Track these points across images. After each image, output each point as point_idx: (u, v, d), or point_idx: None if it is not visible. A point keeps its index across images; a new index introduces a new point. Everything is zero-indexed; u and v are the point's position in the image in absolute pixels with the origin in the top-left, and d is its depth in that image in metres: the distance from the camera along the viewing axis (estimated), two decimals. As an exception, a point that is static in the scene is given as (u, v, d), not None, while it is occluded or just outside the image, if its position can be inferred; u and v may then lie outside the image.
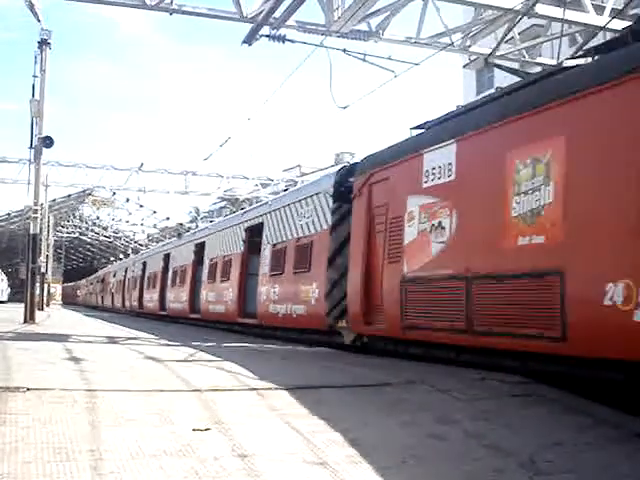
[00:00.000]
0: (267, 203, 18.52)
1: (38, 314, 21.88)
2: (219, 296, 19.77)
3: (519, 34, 15.65)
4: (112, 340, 13.63)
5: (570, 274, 6.87)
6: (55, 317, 28.08)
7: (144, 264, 33.79)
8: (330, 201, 13.26)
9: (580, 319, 6.74)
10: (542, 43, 16.00)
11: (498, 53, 15.53)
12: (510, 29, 14.41)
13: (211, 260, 21.45)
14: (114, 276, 45.58)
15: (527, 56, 16.00)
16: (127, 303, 37.35)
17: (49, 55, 20.08)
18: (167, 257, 28.45)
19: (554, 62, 16.28)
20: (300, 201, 14.91)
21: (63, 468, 3.84)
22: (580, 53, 8.86)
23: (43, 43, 19.90)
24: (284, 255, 15.25)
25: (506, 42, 15.54)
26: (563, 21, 12.22)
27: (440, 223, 9.23)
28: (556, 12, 12.71)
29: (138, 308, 33.34)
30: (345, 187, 12.77)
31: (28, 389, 5.98)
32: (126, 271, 40.37)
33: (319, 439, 4.73)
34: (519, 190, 7.76)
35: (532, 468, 4.32)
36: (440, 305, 9.02)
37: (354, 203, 12.00)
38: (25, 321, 19.36)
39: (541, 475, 4.23)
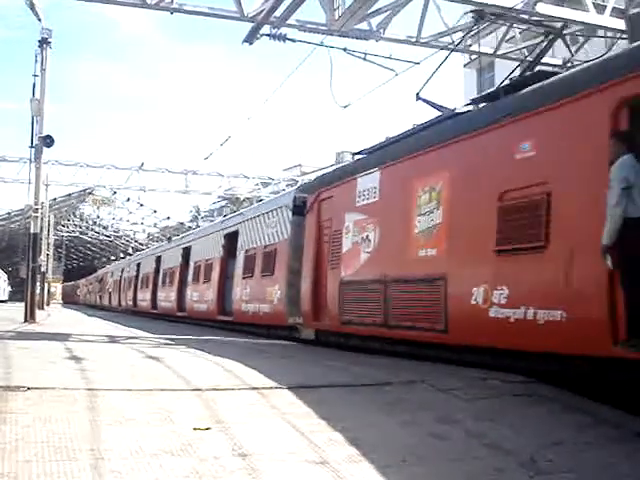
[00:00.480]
0: (242, 213, 20.83)
1: (38, 313, 21.87)
2: (202, 296, 21.81)
3: (520, 33, 15.63)
4: (112, 339, 13.63)
5: (451, 280, 8.89)
6: (55, 316, 28.08)
7: (138, 265, 35.79)
8: (289, 214, 15.06)
9: (457, 315, 8.77)
10: (543, 42, 15.97)
11: (499, 52, 15.54)
12: (510, 27, 14.42)
13: (195, 263, 23.46)
14: (111, 276, 47.20)
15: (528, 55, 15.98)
16: (123, 302, 39.02)
17: (50, 54, 20.07)
18: (158, 259, 30.43)
19: (554, 62, 16.32)
20: (267, 213, 16.95)
21: (63, 467, 3.84)
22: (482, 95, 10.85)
23: (44, 42, 19.87)
24: (254, 260, 17.19)
25: (507, 41, 15.56)
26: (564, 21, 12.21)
27: (367, 236, 11.25)
28: (557, 11, 12.70)
29: (132, 307, 35.17)
30: (302, 202, 14.41)
31: (29, 388, 5.97)
32: (122, 272, 41.86)
33: (320, 438, 4.73)
34: (420, 212, 9.81)
35: (533, 467, 4.32)
36: (367, 304, 10.98)
37: (307, 217, 13.98)
38: (25, 320, 19.35)
39: (541, 474, 4.23)
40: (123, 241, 70.65)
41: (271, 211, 16.66)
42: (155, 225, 62.72)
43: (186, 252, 25.35)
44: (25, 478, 3.65)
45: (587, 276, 6.88)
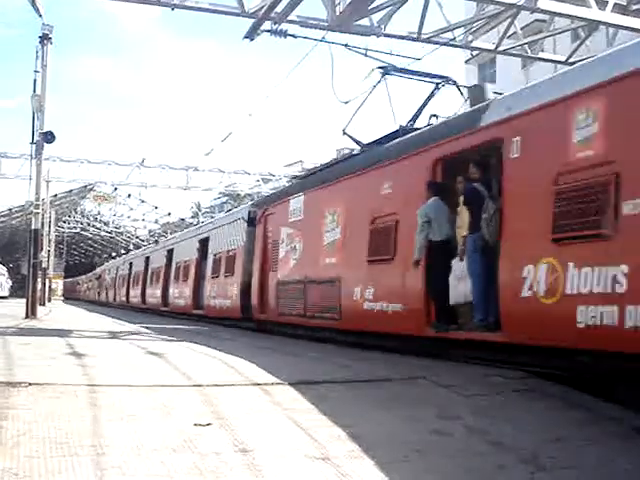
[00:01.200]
0: (212, 222, 25.14)
1: (39, 309, 21.88)
2: (181, 293, 25.04)
3: (521, 29, 15.63)
4: (113, 335, 13.64)
5: (342, 282, 11.92)
6: (56, 312, 28.09)
7: (130, 264, 39.14)
8: (245, 225, 18.09)
9: (345, 307, 11.76)
10: (544, 38, 15.98)
11: (501, 48, 15.52)
12: (511, 23, 14.40)
13: (177, 264, 26.47)
14: (108, 274, 49.97)
15: (529, 51, 15.98)
16: (117, 298, 42.35)
17: (50, 50, 20.05)
18: (147, 259, 33.72)
19: (557, 57, 16.31)
20: (230, 223, 20.13)
21: (65, 463, 3.85)
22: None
23: (44, 38, 19.85)
24: (220, 262, 20.12)
25: (508, 37, 15.55)
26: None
27: (295, 246, 14.30)
28: (559, 7, 12.68)
29: (126, 302, 38.35)
30: (254, 216, 17.61)
31: (30, 384, 5.98)
32: (117, 270, 44.92)
33: (321, 434, 4.73)
34: (326, 230, 12.79)
35: (534, 464, 4.32)
36: (295, 300, 13.94)
37: (257, 228, 17.12)
38: (27, 316, 19.35)
39: (542, 470, 4.23)
40: (124, 237, 70.65)
41: (233, 221, 19.79)
42: (156, 221, 62.77)
43: (169, 254, 28.25)
44: (26, 474, 3.65)
45: (414, 280, 9.89)
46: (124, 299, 38.90)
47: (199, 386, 6.39)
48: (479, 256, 8.75)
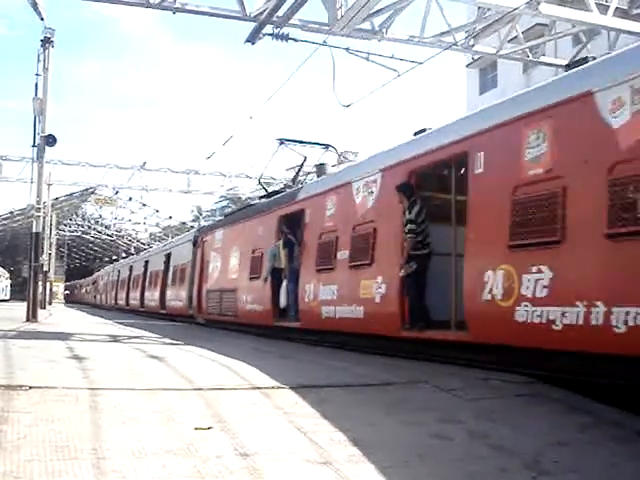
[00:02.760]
0: (174, 241, 32.39)
1: (40, 312, 21.87)
2: (153, 296, 31.12)
3: (523, 33, 15.64)
4: (113, 338, 13.63)
5: (238, 291, 17.55)
6: (57, 315, 28.09)
7: (118, 272, 45.09)
8: (191, 246, 24.17)
9: (240, 309, 17.33)
10: (546, 42, 15.99)
11: (502, 52, 15.53)
12: (512, 27, 14.41)
13: (150, 273, 32.69)
14: (102, 279, 56.10)
15: (531, 55, 15.99)
16: (108, 301, 47.98)
17: (52, 53, 20.07)
18: (131, 268, 39.43)
19: (558, 62, 16.32)
20: (183, 243, 26.71)
21: (65, 466, 3.84)
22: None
23: (46, 41, 19.86)
24: (176, 273, 26.70)
25: (510, 41, 15.56)
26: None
27: (217, 265, 20.21)
28: (560, 11, 12.69)
29: (114, 304, 43.90)
30: (196, 239, 23.82)
31: (31, 387, 5.97)
32: (108, 276, 50.80)
33: (322, 438, 4.72)
34: (232, 255, 18.61)
35: (536, 468, 4.31)
36: (216, 303, 19.88)
37: (197, 249, 23.15)
38: (27, 319, 19.35)
39: (545, 475, 4.22)
40: (125, 241, 70.68)
41: (185, 242, 26.06)
42: (157, 225, 62.82)
43: (146, 264, 34.15)
44: (27, 477, 3.65)
45: (267, 290, 15.54)
46: (113, 302, 44.52)
47: (200, 390, 6.38)
48: (292, 276, 14.43)
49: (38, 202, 20.84)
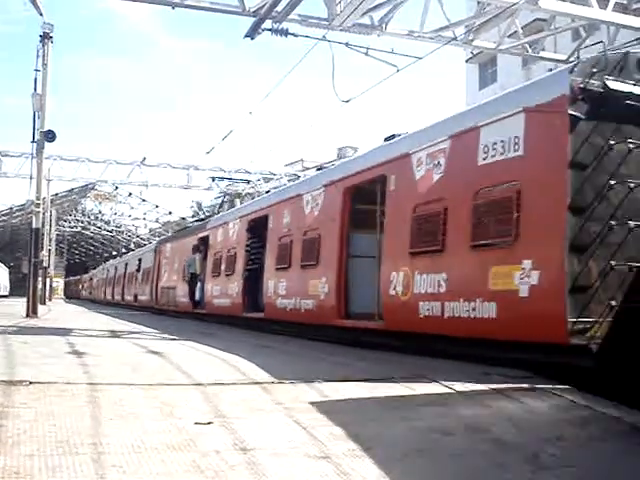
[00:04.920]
0: (144, 248, 40.02)
1: (40, 308, 21.92)
2: (129, 292, 38.03)
3: (522, 28, 15.61)
4: (113, 333, 13.66)
5: (177, 289, 24.98)
6: (57, 311, 28.14)
7: (107, 271, 51.38)
8: (154, 253, 30.79)
9: (178, 301, 24.70)
10: (545, 37, 15.96)
11: (502, 47, 15.50)
12: (512, 22, 14.39)
13: (128, 274, 39.04)
14: (95, 277, 61.97)
15: (530, 50, 15.96)
16: (101, 296, 53.04)
17: (51, 49, 20.05)
18: (116, 268, 45.74)
19: (558, 57, 16.29)
20: (149, 251, 33.57)
21: (65, 461, 3.84)
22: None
23: (45, 37, 19.87)
24: (144, 274, 32.99)
25: (509, 36, 15.53)
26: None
27: (167, 268, 27.53)
28: (559, 6, 12.67)
29: (104, 299, 50.14)
30: (157, 248, 30.78)
31: (31, 383, 5.99)
32: (100, 274, 56.69)
33: (321, 433, 4.73)
34: (174, 262, 26.33)
35: (535, 462, 4.31)
36: (165, 297, 26.78)
37: (156, 256, 29.93)
38: (27, 315, 19.39)
39: (544, 469, 4.22)
40: (125, 236, 70.67)
41: (150, 250, 33.29)
42: (157, 220, 62.76)
43: (125, 266, 40.88)
44: (27, 472, 3.65)
45: (187, 288, 23.42)
46: (102, 297, 51.33)
47: (199, 385, 6.40)
48: (203, 281, 21.64)
49: (37, 198, 20.89)
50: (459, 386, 6.70)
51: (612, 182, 7.60)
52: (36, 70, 20.12)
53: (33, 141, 20.45)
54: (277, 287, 15.12)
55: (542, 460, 4.37)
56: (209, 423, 4.86)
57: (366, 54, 14.77)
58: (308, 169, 46.23)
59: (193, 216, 59.75)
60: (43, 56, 19.98)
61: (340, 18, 12.58)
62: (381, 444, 4.59)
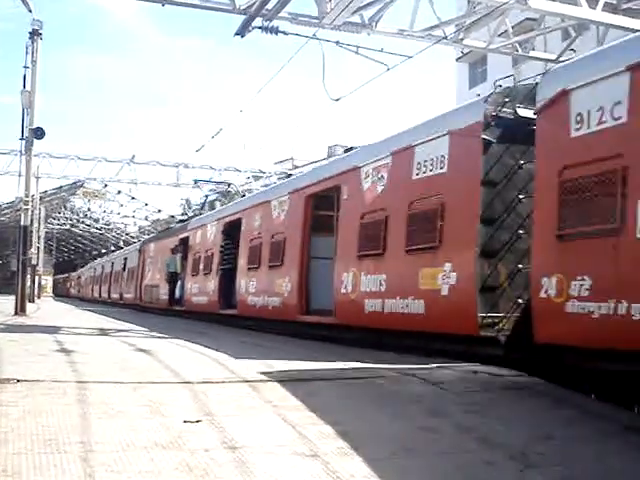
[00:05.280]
0: (128, 248, 41.35)
1: (29, 306, 21.82)
2: (115, 290, 38.75)
3: (512, 28, 15.63)
4: (102, 331, 13.63)
5: (160, 287, 25.72)
6: (45, 309, 28.04)
7: (94, 270, 53.06)
8: (138, 253, 31.92)
9: (160, 298, 25.42)
10: (535, 37, 16.00)
11: (492, 46, 15.53)
12: (502, 21, 14.42)
13: (115, 272, 39.84)
14: (83, 275, 63.36)
15: (520, 49, 15.99)
16: (88, 293, 54.42)
17: (40, 46, 19.95)
18: (103, 267, 47.16)
19: (547, 56, 16.34)
20: (134, 250, 34.43)
21: (53, 459, 3.83)
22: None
23: (34, 34, 19.75)
24: (130, 273, 33.71)
25: (499, 36, 15.55)
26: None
27: (150, 268, 28.47)
28: (549, 6, 12.70)
29: (91, 297, 51.41)
30: (141, 248, 32.05)
31: (19, 381, 5.97)
32: (88, 273, 58.01)
33: (310, 431, 4.73)
34: (156, 262, 27.30)
35: (523, 460, 4.33)
36: (149, 294, 27.65)
37: (141, 255, 30.95)
38: (16, 313, 19.30)
39: (532, 467, 4.24)
40: (114, 234, 70.40)
41: (135, 250, 33.88)
42: (146, 218, 62.53)
43: (112, 265, 41.66)
44: (15, 470, 3.64)
45: (167, 288, 24.11)
46: (90, 295, 52.41)
47: (188, 383, 6.39)
48: (183, 280, 22.62)
49: (26, 195, 20.79)
50: (448, 385, 6.73)
51: (521, 197, 8.52)
52: (25, 67, 20.01)
53: (22, 138, 20.35)
54: (248, 286, 16.37)
55: (530, 458, 4.38)
56: (198, 421, 4.86)
57: (356, 53, 14.76)
58: (298, 167, 46.27)
59: (182, 214, 59.65)
60: (32, 53, 19.87)
61: (330, 16, 12.57)
62: (370, 442, 4.61)
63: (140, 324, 17.06)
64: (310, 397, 5.92)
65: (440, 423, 5.21)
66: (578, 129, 7.27)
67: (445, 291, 9.03)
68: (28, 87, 19.91)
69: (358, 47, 14.67)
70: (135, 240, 58.04)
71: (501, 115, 8.86)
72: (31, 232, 25.80)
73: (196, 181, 34.22)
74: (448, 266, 9.01)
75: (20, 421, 4.61)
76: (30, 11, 19.17)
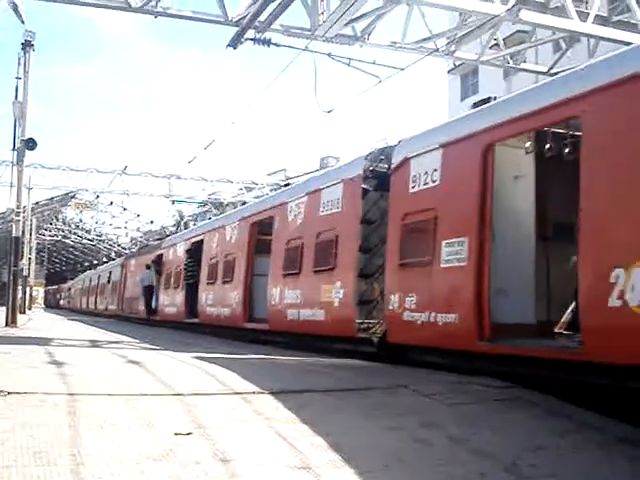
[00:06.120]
0: (112, 263, 44.56)
1: (20, 317, 21.71)
2: (102, 302, 41.35)
3: (504, 40, 15.72)
4: (93, 343, 13.58)
5: (139, 298, 28.10)
6: (37, 320, 27.95)
7: (83, 282, 55.95)
8: (120, 268, 35.30)
9: (139, 309, 28.41)
10: (526, 49, 16.08)
11: (483, 58, 15.60)
12: (493, 34, 14.49)
13: (100, 285, 43.00)
14: (74, 287, 64.78)
15: (512, 62, 16.07)
16: (77, 305, 56.96)
17: (33, 57, 19.96)
18: (90, 280, 50.22)
19: (539, 68, 16.42)
20: (117, 265, 38.05)
21: (43, 472, 3.80)
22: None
23: (27, 45, 19.77)
24: (114, 285, 36.63)
25: (491, 48, 15.63)
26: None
27: (130, 281, 31.91)
28: (540, 18, 12.76)
29: (79, 308, 54.45)
30: (124, 263, 35.14)
31: (9, 393, 5.91)
32: (79, 284, 59.69)
33: (302, 443, 4.71)
34: (135, 276, 30.03)
35: (515, 472, 4.32)
36: (129, 305, 30.92)
37: (123, 270, 34.10)
38: (6, 324, 19.22)
39: (523, 478, 4.24)
40: (106, 245, 70.22)
41: (118, 264, 37.37)
42: (138, 229, 62.39)
43: (98, 278, 44.79)
44: (4, 483, 3.62)
45: (142, 299, 27.12)
46: (79, 306, 54.97)
47: (179, 395, 6.36)
48: (157, 293, 25.48)
49: (18, 206, 20.75)
50: (439, 396, 6.71)
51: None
52: (17, 78, 20.02)
53: (14, 149, 20.33)
54: (207, 298, 19.39)
55: (522, 470, 4.38)
56: (189, 434, 4.83)
57: (348, 65, 14.83)
58: (290, 179, 46.20)
59: (174, 225, 59.57)
60: (25, 64, 19.88)
61: (323, 28, 12.60)
62: (362, 454, 4.58)
63: (130, 335, 17.04)
64: (302, 409, 5.90)
65: (432, 434, 5.19)
66: (414, 187, 10.06)
67: (336, 303, 11.87)
68: (20, 98, 19.91)
69: (350, 59, 14.75)
70: (127, 251, 57.97)
71: (377, 170, 11.53)
72: (22, 243, 25.74)
73: (173, 202, 40.85)
74: (338, 284, 11.89)
75: (10, 433, 4.57)
76: (23, 22, 19.14)
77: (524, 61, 16.47)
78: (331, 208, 12.56)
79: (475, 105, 10.01)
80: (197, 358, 9.97)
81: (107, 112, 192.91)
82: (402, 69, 14.51)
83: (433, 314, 9.12)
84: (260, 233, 16.64)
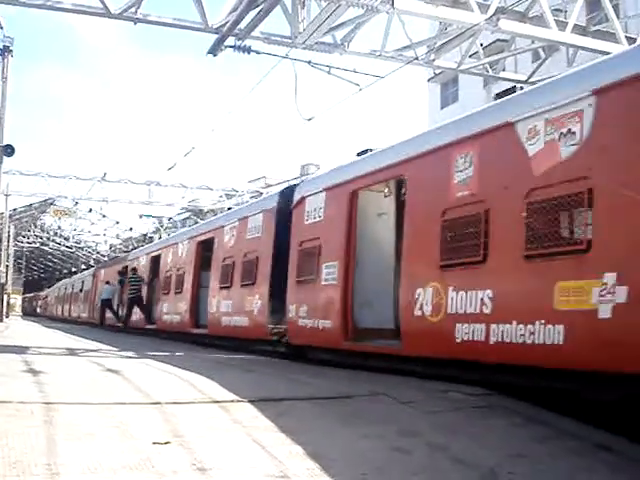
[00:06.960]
0: (86, 272, 45.03)
1: (-3, 325, 21.51)
2: (76, 309, 42.30)
3: (483, 49, 15.81)
4: (70, 351, 13.45)
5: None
6: (14, 328, 27.65)
7: (59, 290, 57.01)
8: (92, 277, 37.06)
9: (104, 317, 29.23)
10: (506, 58, 16.19)
11: (463, 67, 15.68)
12: (473, 43, 14.57)
13: (74, 293, 44.04)
14: (50, 295, 65.70)
15: (491, 70, 16.17)
16: (55, 312, 56.97)
17: (11, 62, 19.83)
18: (65, 289, 51.37)
19: (518, 77, 16.53)
20: (90, 274, 39.13)
21: (18, 482, 3.75)
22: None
23: (5, 50, 19.65)
24: (86, 294, 37.94)
25: (470, 56, 15.73)
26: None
27: (99, 290, 31.51)
28: (519, 28, 12.87)
29: (55, 315, 55.77)
30: (95, 273, 37.19)
31: (-16, 402, 5.85)
32: (55, 292, 60.83)
33: (280, 452, 4.69)
34: (106, 284, 29.97)
35: (494, 479, 4.32)
36: (99, 313, 29.88)
37: (94, 279, 35.90)
38: (-17, 332, 19.03)
39: (503, 487, 4.23)
40: (85, 252, 69.76)
41: (90, 274, 39.02)
42: (117, 236, 62.07)
43: (72, 286, 46.07)
44: (-23, 494, 3.57)
45: (94, 310, 33.41)
46: (55, 313, 56.34)
47: (157, 404, 6.31)
48: (131, 301, 24.51)
49: (-5, 213, 20.55)
50: (419, 404, 6.70)
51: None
52: (-5, 84, 19.88)
53: (-9, 155, 20.17)
54: (162, 307, 21.69)
55: (501, 477, 4.38)
56: (167, 443, 4.79)
57: (329, 73, 14.86)
58: (271, 186, 46.16)
59: (155, 232, 59.26)
60: (2, 70, 19.75)
61: (303, 36, 12.62)
62: (340, 463, 4.56)
63: (107, 342, 16.91)
64: (280, 417, 5.87)
65: (411, 443, 5.18)
66: (307, 220, 12.40)
67: (255, 311, 14.26)
68: (-2, 104, 19.76)
69: (330, 67, 14.77)
70: (106, 259, 57.63)
71: (283, 206, 13.71)
72: (0, 250, 25.48)
73: (141, 216, 43.72)
74: (257, 296, 14.32)
75: (-16, 443, 4.51)
76: (1, 28, 19.06)
77: (503, 70, 16.59)
78: (254, 233, 15.06)
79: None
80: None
81: (87, 119, 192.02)
82: (382, 77, 14.56)
83: (317, 320, 11.58)
84: (205, 250, 18.67)
